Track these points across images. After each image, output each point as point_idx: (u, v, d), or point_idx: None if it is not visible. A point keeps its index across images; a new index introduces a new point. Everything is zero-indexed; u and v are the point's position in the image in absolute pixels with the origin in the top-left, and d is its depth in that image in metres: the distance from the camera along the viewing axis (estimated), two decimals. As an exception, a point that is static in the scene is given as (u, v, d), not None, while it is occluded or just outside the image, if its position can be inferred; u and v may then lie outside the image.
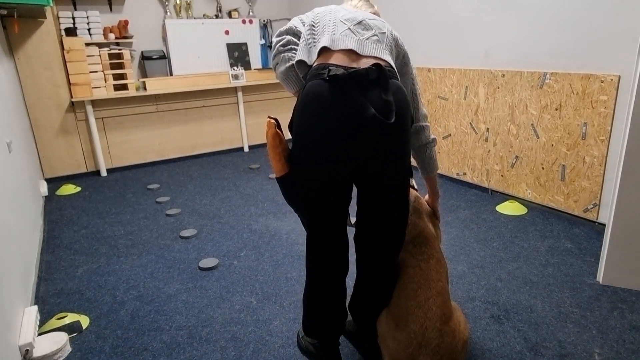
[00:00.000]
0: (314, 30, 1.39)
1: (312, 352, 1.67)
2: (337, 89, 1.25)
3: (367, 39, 1.34)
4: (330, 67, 1.27)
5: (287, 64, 1.45)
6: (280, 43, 1.46)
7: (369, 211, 1.43)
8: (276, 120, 1.45)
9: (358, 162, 1.32)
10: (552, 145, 2.77)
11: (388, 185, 1.37)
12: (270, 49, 1.49)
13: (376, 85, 1.26)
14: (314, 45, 1.37)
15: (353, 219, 1.53)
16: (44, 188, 3.51)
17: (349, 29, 1.35)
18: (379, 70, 1.25)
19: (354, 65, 1.29)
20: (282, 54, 1.46)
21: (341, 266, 1.53)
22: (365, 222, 1.46)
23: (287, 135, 1.46)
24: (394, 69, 1.34)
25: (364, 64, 1.29)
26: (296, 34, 1.47)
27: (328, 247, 1.48)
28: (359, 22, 1.38)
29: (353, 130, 1.26)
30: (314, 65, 1.35)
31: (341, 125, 1.26)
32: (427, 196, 1.75)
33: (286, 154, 1.45)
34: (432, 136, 1.60)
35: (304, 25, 1.46)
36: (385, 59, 1.34)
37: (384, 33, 1.40)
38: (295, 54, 1.43)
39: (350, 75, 1.24)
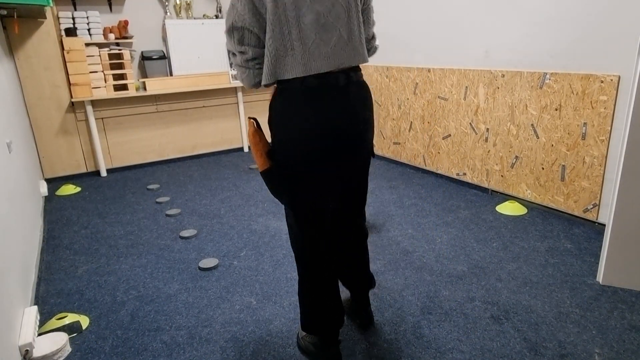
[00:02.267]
0: None
1: (312, 351, 1.67)
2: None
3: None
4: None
5: None
6: None
7: (348, 195, 1.65)
8: (255, 120, 1.54)
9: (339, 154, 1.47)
10: (552, 145, 2.77)
11: (360, 169, 1.62)
12: None
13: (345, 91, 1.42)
14: None
15: None
16: (43, 188, 3.51)
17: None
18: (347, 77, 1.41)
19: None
20: None
21: (328, 255, 1.59)
22: (345, 204, 1.66)
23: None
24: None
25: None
26: None
27: (317, 235, 1.54)
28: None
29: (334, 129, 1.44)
30: None
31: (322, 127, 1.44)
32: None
33: (266, 150, 1.51)
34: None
35: None
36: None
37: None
38: None
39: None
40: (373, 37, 1.62)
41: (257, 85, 1.45)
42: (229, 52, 1.43)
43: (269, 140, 1.53)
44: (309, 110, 1.38)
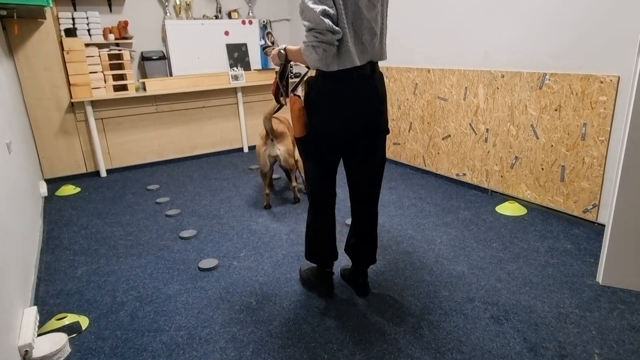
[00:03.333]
0: None
1: (311, 280, 2.15)
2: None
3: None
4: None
5: None
6: None
7: (362, 164, 1.89)
8: (299, 96, 1.83)
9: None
10: (552, 145, 2.77)
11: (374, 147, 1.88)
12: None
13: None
14: None
15: None
16: (43, 188, 3.51)
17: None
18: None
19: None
20: None
21: (332, 199, 1.98)
22: (358, 174, 1.92)
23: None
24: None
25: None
26: None
27: (327, 185, 1.94)
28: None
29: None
30: None
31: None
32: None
33: (305, 121, 1.82)
34: None
35: None
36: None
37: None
38: None
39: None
40: None
41: (330, 65, 1.65)
42: (317, 31, 1.54)
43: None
44: (346, 91, 1.71)
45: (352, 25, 1.63)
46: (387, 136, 4.23)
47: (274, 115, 3.06)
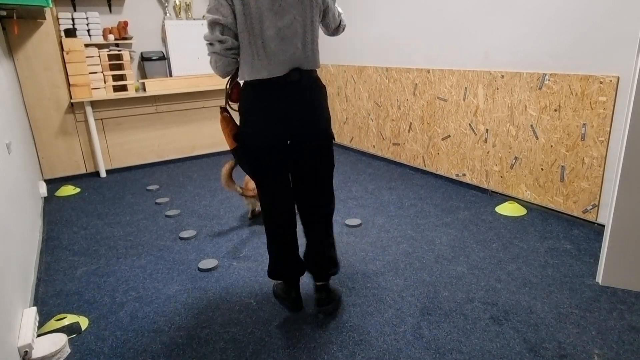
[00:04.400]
0: None
1: (279, 294, 2.02)
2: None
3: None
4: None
5: None
6: None
7: (302, 173, 1.82)
8: (225, 109, 1.84)
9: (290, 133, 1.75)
10: (552, 146, 2.77)
11: (313, 149, 1.79)
12: None
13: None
14: None
15: None
16: (43, 189, 3.51)
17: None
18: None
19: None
20: None
21: (287, 215, 1.87)
22: (300, 183, 1.85)
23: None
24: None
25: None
26: None
27: (273, 202, 1.85)
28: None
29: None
30: None
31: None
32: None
33: (234, 133, 1.80)
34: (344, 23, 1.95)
35: None
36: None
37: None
38: None
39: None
40: (339, 25, 1.90)
41: (229, 73, 1.72)
42: (208, 42, 1.64)
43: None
44: (267, 101, 1.67)
45: (255, 34, 1.59)
46: (387, 136, 4.27)
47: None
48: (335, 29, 1.90)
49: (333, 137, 1.86)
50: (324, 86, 1.81)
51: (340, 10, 1.88)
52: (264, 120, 1.69)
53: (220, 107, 1.84)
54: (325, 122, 1.81)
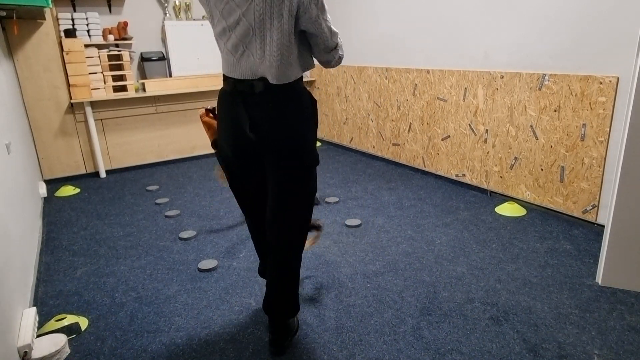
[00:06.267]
0: None
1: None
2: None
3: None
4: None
5: None
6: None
7: (272, 204, 1.66)
8: (206, 109, 1.83)
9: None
10: (551, 146, 2.77)
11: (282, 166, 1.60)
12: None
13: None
14: None
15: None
16: (43, 189, 3.50)
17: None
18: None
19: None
20: None
21: (260, 227, 1.84)
22: (269, 214, 1.67)
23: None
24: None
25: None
26: None
27: (245, 208, 1.85)
28: None
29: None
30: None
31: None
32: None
33: (214, 138, 1.79)
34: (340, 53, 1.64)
35: None
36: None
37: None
38: None
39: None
40: (334, 49, 1.57)
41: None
42: (332, 30, 1.52)
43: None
44: (230, 106, 1.58)
45: (225, 43, 1.55)
46: (387, 137, 4.27)
47: None
48: (326, 54, 1.57)
49: (311, 163, 1.61)
50: (308, 105, 1.58)
51: (335, 29, 1.54)
52: (226, 127, 1.63)
53: (206, 109, 1.80)
54: (297, 146, 1.56)
